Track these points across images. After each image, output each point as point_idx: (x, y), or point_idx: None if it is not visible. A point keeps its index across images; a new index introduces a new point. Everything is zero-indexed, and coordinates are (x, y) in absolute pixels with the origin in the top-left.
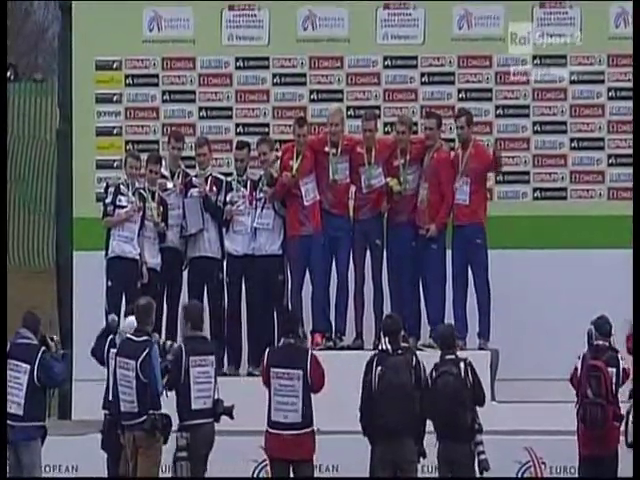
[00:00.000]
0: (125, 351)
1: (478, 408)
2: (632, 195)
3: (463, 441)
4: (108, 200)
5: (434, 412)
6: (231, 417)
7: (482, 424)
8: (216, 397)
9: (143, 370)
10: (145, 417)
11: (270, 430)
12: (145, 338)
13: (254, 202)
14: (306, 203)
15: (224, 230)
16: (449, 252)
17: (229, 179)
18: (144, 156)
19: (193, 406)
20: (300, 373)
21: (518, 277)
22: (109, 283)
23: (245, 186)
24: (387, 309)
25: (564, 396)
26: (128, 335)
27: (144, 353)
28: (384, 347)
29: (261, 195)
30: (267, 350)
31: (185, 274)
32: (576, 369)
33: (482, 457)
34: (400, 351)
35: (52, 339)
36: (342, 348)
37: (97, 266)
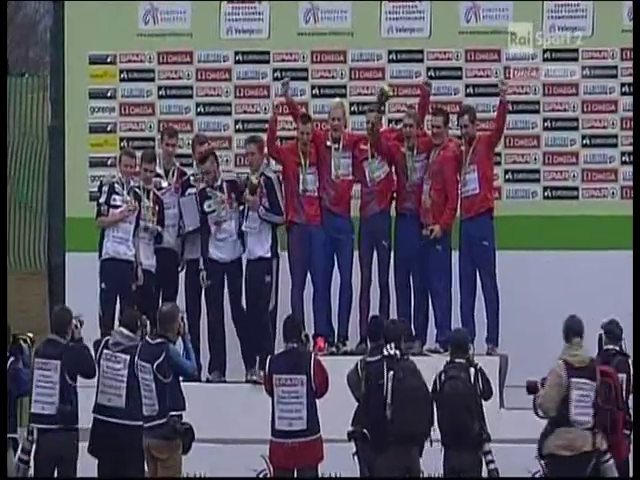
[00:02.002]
0: (142, 355)
1: (486, 415)
2: (633, 196)
3: (470, 449)
4: (102, 200)
5: (440, 418)
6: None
7: (490, 433)
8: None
9: (161, 372)
10: (166, 419)
11: (274, 439)
12: (160, 340)
13: (234, 204)
14: (301, 192)
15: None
16: (455, 253)
17: (202, 185)
18: (139, 154)
19: (32, 409)
20: (303, 378)
21: (528, 279)
22: (103, 285)
23: (222, 190)
24: (393, 312)
25: None
26: (146, 338)
27: (161, 357)
28: (390, 352)
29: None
30: (269, 357)
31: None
32: None
33: (491, 467)
34: (406, 356)
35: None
36: (345, 353)
37: (90, 268)
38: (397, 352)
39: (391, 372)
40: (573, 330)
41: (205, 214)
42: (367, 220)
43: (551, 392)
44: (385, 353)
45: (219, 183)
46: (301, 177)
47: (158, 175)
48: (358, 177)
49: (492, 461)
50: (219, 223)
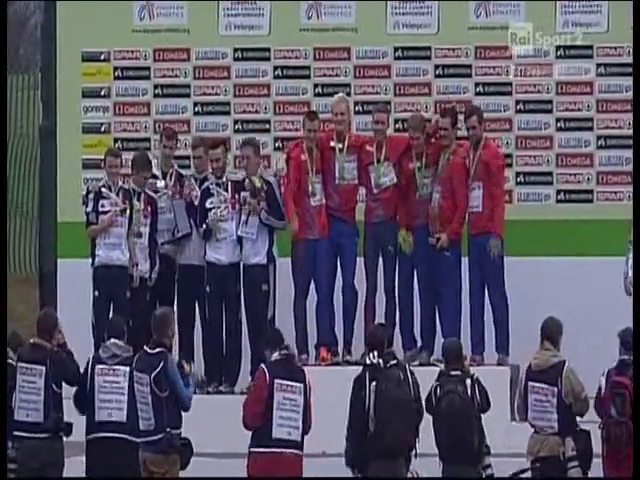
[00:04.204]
0: (139, 365)
1: (495, 428)
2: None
3: (469, 464)
4: (89, 208)
5: (438, 433)
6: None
7: (490, 445)
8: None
9: (158, 384)
10: (162, 435)
11: (266, 450)
12: (159, 350)
13: (237, 206)
14: (313, 204)
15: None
16: (464, 260)
17: (207, 183)
18: (126, 155)
19: (15, 416)
20: (301, 387)
21: (540, 286)
22: (96, 293)
23: (226, 189)
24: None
25: (589, 415)
26: (144, 347)
27: (159, 367)
28: (373, 361)
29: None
30: (264, 363)
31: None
32: (600, 388)
33: None
34: (391, 364)
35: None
36: (349, 363)
37: (83, 274)
38: (380, 360)
39: (374, 382)
40: (543, 332)
41: (206, 211)
42: (372, 226)
43: (517, 396)
44: (367, 362)
45: (224, 180)
46: (310, 187)
47: (154, 176)
48: (363, 181)
49: (492, 475)
50: (222, 222)
